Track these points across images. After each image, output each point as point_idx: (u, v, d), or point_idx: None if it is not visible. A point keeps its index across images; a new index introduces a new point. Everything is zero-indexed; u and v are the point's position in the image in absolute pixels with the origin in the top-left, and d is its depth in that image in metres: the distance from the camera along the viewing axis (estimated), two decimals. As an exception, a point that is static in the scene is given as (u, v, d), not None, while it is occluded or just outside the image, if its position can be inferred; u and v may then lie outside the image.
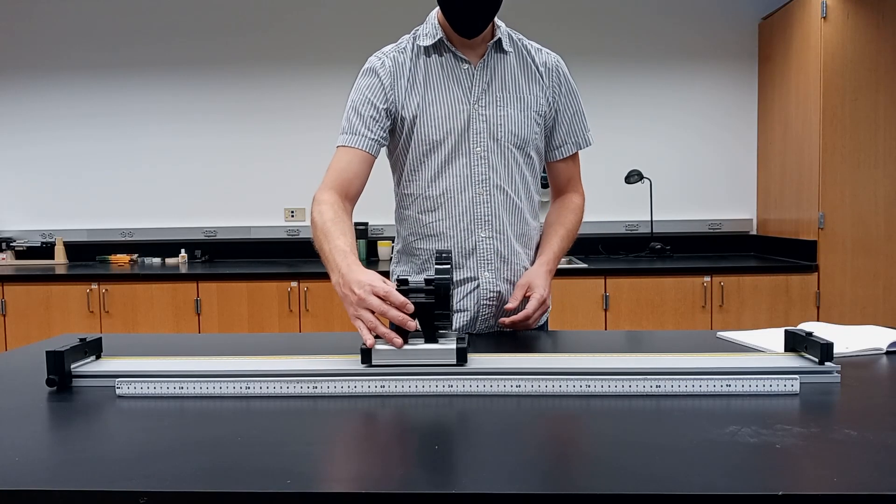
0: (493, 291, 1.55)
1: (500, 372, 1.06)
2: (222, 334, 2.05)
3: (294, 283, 3.46)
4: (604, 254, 4.01)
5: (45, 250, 4.09)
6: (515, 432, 0.89)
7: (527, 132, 1.56)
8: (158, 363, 1.15)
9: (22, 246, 4.08)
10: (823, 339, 1.09)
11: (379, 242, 3.99)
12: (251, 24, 4.11)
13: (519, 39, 1.60)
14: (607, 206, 4.09)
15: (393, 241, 3.98)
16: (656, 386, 1.03)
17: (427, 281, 1.12)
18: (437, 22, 1.53)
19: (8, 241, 4.10)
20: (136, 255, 4.07)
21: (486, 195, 1.54)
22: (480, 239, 1.54)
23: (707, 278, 3.45)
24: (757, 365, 1.09)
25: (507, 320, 1.51)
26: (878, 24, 3.36)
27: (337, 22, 4.09)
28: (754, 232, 4.12)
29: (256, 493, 0.69)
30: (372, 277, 1.18)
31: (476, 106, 1.53)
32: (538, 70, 1.58)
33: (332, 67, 4.09)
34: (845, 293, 3.44)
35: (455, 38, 1.52)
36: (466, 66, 1.52)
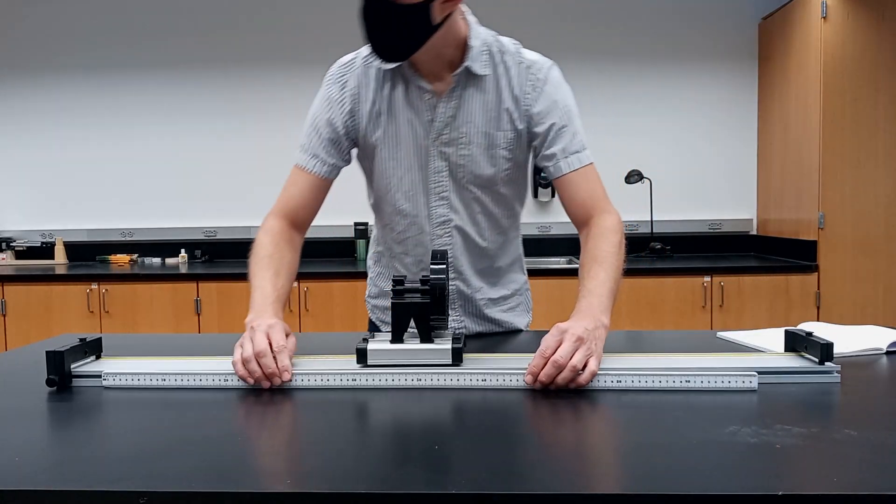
0: (458, 329, 1.53)
1: (495, 372, 1.06)
2: (222, 334, 2.04)
3: (294, 283, 3.46)
4: (604, 254, 4.00)
5: (45, 250, 4.09)
6: (513, 432, 0.89)
7: (492, 172, 1.40)
8: (159, 363, 1.15)
9: (22, 246, 4.08)
10: (823, 339, 1.09)
11: (379, 242, 3.99)
12: (252, 23, 4.11)
13: (501, 52, 1.37)
14: (607, 206, 4.08)
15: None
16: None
17: (423, 281, 1.12)
18: None
19: (8, 241, 4.10)
20: (136, 255, 4.07)
21: (447, 237, 1.44)
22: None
23: (707, 278, 3.45)
24: (756, 365, 1.09)
25: (529, 379, 1.04)
26: (878, 24, 3.36)
27: (336, 22, 4.09)
28: (754, 232, 4.11)
29: (256, 493, 0.69)
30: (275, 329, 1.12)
31: (436, 143, 1.38)
32: (513, 93, 1.37)
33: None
34: (845, 293, 3.44)
35: (421, 64, 1.34)
36: (429, 96, 1.35)
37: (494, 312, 1.57)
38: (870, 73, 3.37)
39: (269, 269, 1.30)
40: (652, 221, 4.00)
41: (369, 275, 1.67)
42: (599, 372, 1.05)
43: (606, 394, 1.03)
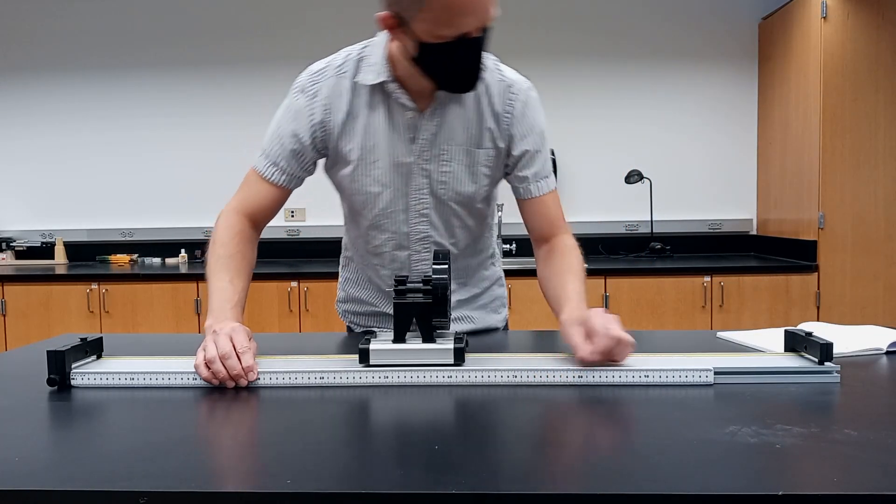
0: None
1: (496, 371, 1.06)
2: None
3: (294, 283, 3.47)
4: (604, 254, 4.01)
5: (45, 250, 4.09)
6: (514, 431, 0.89)
7: (473, 189, 1.39)
8: (159, 363, 1.15)
9: (22, 246, 4.09)
10: (823, 339, 1.09)
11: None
12: (251, 24, 4.11)
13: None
14: (607, 206, 4.09)
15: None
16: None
17: (425, 281, 1.12)
18: (387, 56, 1.30)
19: (8, 241, 4.10)
20: (136, 255, 4.07)
21: (426, 252, 1.43)
22: None
23: (707, 278, 3.45)
24: (756, 365, 1.09)
25: (588, 357, 1.09)
26: (878, 24, 3.36)
27: (335, 22, 4.09)
28: (754, 232, 4.12)
29: (256, 493, 0.69)
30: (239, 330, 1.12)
31: (418, 160, 1.35)
32: (494, 110, 1.36)
33: (332, 67, 4.09)
34: (845, 293, 3.44)
35: (407, 80, 1.29)
36: (411, 113, 1.32)
37: (464, 311, 1.56)
38: (870, 73, 3.37)
39: (229, 271, 1.27)
40: (652, 221, 4.00)
41: (339, 279, 1.66)
42: (605, 368, 1.06)
43: (605, 392, 1.03)
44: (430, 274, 1.13)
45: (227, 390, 1.06)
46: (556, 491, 0.69)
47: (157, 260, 4.06)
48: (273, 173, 1.38)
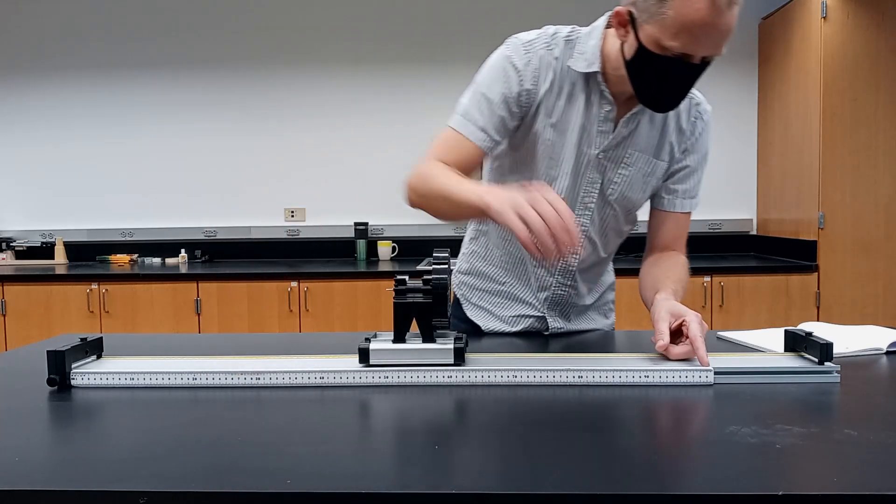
0: (555, 327, 1.54)
1: (496, 371, 1.06)
2: (222, 334, 2.04)
3: (294, 283, 3.46)
4: (604, 254, 4.01)
5: (45, 250, 4.09)
6: (514, 431, 0.89)
7: (639, 196, 1.44)
8: (159, 363, 1.15)
9: (22, 246, 4.09)
10: (823, 339, 1.09)
11: (379, 242, 3.98)
12: (251, 24, 4.11)
13: None
14: (607, 206, 4.09)
15: (393, 242, 4.00)
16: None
17: (425, 281, 1.12)
18: (601, 48, 1.31)
19: (8, 241, 4.10)
20: (136, 255, 4.07)
21: (579, 247, 1.44)
22: (558, 284, 1.50)
23: (707, 278, 3.45)
24: (756, 365, 1.09)
25: (677, 355, 1.15)
26: (878, 24, 3.36)
27: (337, 22, 4.10)
28: (754, 232, 4.12)
29: (256, 493, 0.69)
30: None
31: (600, 155, 1.36)
32: (679, 125, 1.40)
33: (332, 67, 4.09)
34: (845, 293, 3.44)
35: (611, 78, 1.30)
36: (609, 108, 1.32)
37: (586, 313, 1.58)
38: (870, 73, 3.37)
39: (456, 175, 1.22)
40: (652, 221, 4.00)
41: (462, 250, 1.63)
42: (604, 368, 1.06)
43: (605, 392, 1.03)
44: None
45: (224, 390, 1.06)
46: (555, 491, 0.69)
47: (157, 260, 4.06)
48: (479, 137, 1.31)
